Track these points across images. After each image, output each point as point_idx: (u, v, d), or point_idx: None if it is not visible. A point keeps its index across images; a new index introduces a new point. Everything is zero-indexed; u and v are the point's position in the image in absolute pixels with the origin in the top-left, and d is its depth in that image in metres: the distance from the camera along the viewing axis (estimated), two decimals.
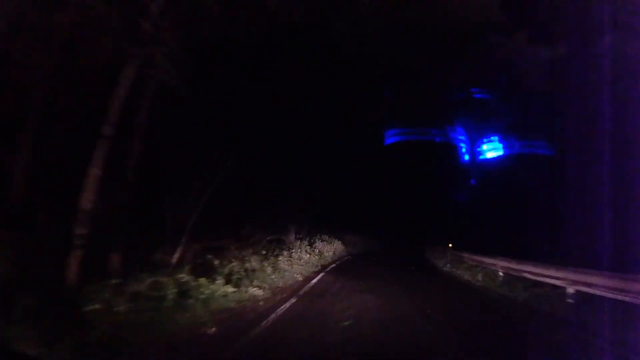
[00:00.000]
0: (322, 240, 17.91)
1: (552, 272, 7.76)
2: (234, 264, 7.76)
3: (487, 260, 11.78)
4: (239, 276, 7.44)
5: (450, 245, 18.45)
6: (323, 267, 13.82)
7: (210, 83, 9.19)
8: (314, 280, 10.15)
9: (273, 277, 8.94)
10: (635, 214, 9.79)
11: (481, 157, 27.58)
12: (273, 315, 5.73)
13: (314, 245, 15.86)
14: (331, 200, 24.13)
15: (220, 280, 6.75)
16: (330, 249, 18.73)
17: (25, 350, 3.45)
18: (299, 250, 13.51)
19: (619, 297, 5.79)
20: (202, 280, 6.33)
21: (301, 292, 8.03)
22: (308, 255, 14.09)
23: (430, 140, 27.57)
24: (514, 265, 9.74)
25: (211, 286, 6.35)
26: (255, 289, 7.36)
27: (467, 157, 28.23)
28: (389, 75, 26.92)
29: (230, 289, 6.72)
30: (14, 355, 3.14)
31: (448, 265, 15.38)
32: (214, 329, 4.85)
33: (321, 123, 22.79)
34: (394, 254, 24.73)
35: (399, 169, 31.29)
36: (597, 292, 6.32)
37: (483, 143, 27.56)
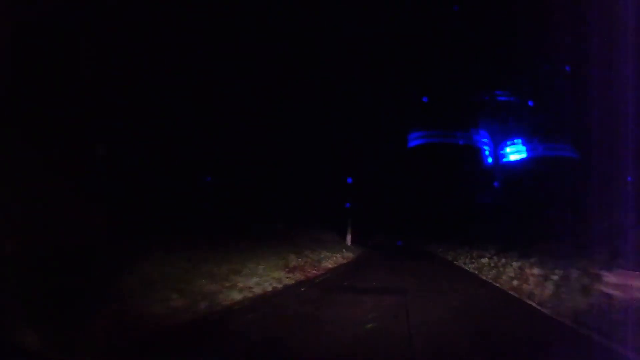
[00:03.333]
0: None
1: None
2: None
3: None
4: None
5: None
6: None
7: None
8: None
9: None
10: None
11: (504, 159, 27.66)
12: None
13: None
14: (356, 202, 24.82)
15: None
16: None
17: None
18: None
19: None
20: None
21: None
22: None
23: (454, 142, 27.77)
24: None
25: None
26: None
27: (490, 160, 28.35)
28: (414, 78, 27.45)
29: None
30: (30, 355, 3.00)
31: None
32: None
33: (348, 127, 23.51)
34: (418, 251, 25.15)
35: (423, 171, 31.59)
36: None
37: (506, 146, 27.62)
